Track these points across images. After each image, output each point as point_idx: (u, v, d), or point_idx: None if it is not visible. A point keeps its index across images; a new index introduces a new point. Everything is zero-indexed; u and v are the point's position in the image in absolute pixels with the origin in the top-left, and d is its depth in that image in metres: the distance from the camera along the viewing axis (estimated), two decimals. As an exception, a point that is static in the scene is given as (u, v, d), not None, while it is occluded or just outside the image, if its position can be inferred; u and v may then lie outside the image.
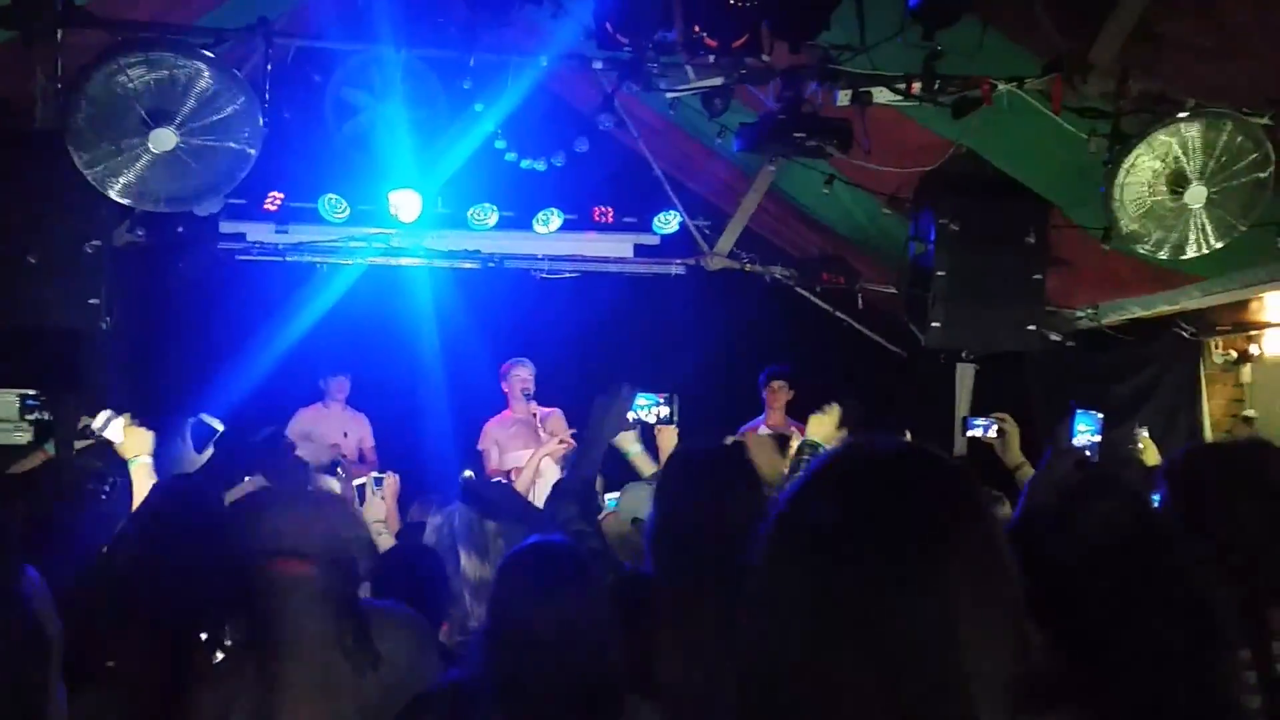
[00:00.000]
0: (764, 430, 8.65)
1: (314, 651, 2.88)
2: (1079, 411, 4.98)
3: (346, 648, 2.93)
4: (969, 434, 5.86)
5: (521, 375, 8.65)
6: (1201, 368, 8.08)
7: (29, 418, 5.28)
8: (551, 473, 6.94)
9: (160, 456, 5.06)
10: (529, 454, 7.58)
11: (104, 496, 4.41)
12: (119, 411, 5.18)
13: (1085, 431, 5.01)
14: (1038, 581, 2.06)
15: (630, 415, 5.30)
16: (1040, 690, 2.00)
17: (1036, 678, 1.98)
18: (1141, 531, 2.19)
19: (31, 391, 5.34)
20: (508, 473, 7.98)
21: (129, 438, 5.10)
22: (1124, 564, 2.11)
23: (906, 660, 1.30)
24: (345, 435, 9.20)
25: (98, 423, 5.12)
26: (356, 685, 2.88)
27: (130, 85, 5.22)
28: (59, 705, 1.87)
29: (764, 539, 1.42)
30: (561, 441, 7.16)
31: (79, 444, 5.33)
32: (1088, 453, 4.90)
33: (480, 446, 8.78)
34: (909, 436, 5.22)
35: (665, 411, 5.55)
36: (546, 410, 8.59)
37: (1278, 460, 2.81)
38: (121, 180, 5.36)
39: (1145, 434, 5.88)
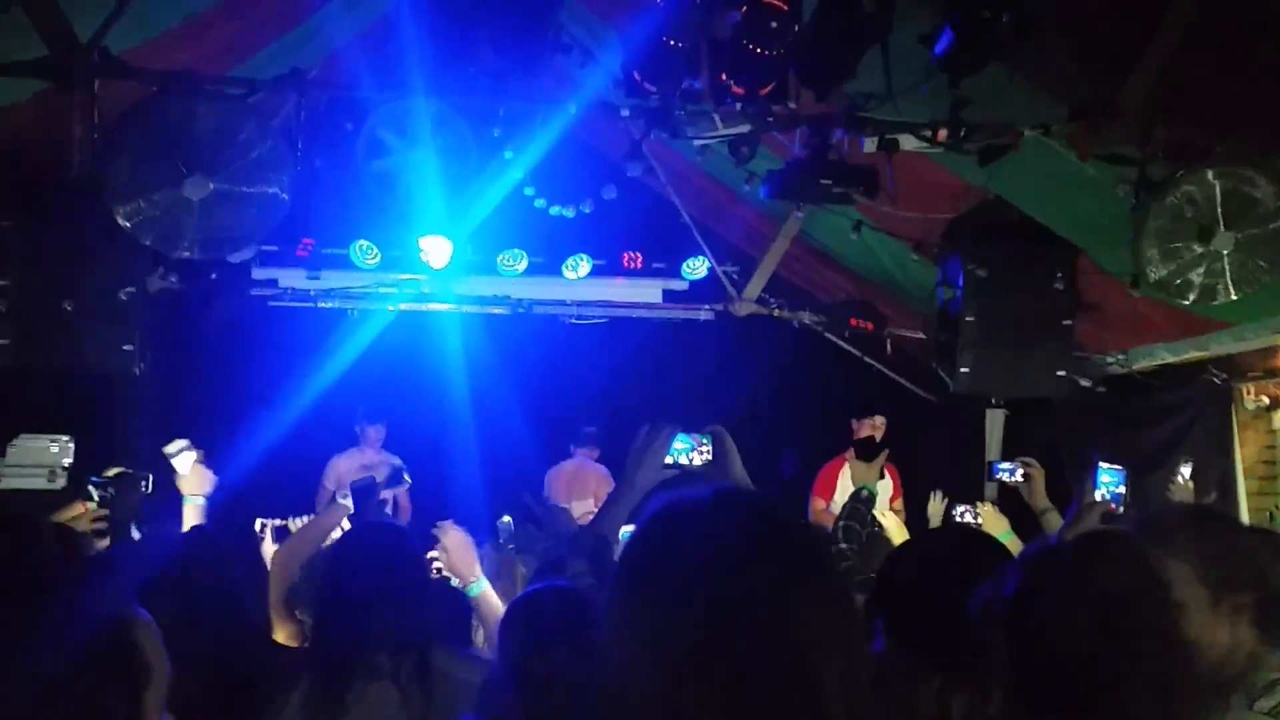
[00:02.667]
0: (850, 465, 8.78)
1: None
2: (1101, 465, 4.96)
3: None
4: (996, 478, 5.86)
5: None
6: (1234, 414, 8.02)
7: (96, 497, 5.30)
8: None
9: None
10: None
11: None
12: (194, 445, 5.21)
13: (1108, 484, 4.98)
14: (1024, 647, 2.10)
15: (668, 459, 5.25)
16: None
17: None
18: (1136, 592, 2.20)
19: (55, 451, 5.38)
20: None
21: (193, 475, 5.13)
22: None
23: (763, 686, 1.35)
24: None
25: (172, 448, 5.16)
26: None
27: (165, 134, 5.30)
28: None
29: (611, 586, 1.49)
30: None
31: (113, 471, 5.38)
32: (1113, 505, 4.88)
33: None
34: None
35: (706, 453, 5.46)
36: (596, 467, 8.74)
37: None
38: (156, 228, 5.42)
39: (1188, 473, 5.86)
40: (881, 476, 7.55)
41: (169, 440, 5.17)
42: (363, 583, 3.35)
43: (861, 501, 4.69)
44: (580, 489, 8.80)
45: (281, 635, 4.23)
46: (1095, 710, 2.03)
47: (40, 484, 5.44)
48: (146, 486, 5.40)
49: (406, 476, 6.09)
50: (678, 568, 1.41)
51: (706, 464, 5.35)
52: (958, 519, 6.22)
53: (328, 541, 4.71)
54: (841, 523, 4.62)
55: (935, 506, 7.47)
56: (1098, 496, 4.79)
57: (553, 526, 4.77)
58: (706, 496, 1.48)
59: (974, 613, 2.14)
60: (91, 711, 1.81)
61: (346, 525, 5.00)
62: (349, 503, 5.01)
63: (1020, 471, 5.54)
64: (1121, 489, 5.01)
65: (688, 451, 5.43)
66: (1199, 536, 2.70)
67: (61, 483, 5.47)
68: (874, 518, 4.99)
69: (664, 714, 1.36)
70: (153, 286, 7.20)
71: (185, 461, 5.16)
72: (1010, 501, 5.92)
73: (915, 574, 2.44)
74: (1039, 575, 2.19)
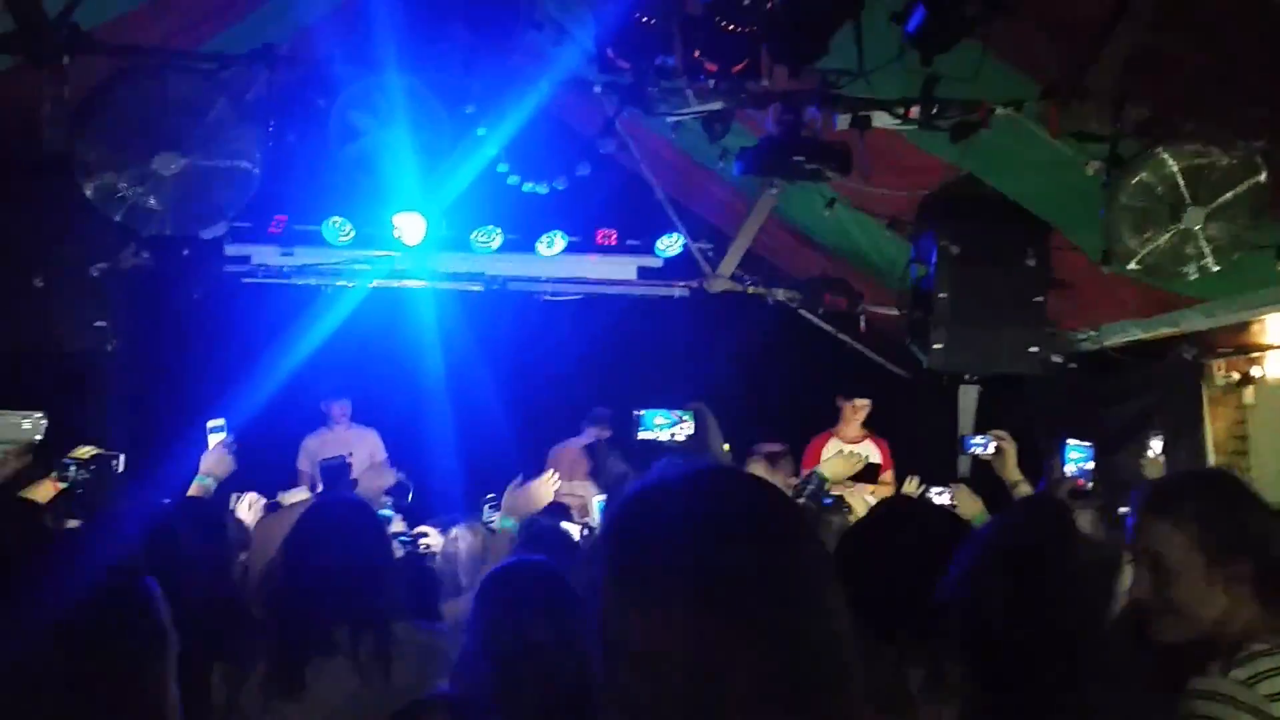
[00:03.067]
0: (834, 442, 8.88)
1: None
2: (1069, 442, 5.02)
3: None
4: (969, 452, 5.91)
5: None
6: (1204, 390, 8.07)
7: (67, 477, 5.31)
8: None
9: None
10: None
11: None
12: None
13: (1077, 459, 5.04)
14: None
15: (646, 435, 5.25)
16: None
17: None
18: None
19: (28, 427, 5.38)
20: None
21: (210, 454, 5.17)
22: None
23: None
24: (351, 455, 9.21)
25: (212, 424, 5.19)
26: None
27: (136, 110, 5.27)
28: (174, 703, 1.96)
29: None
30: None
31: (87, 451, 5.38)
32: (1080, 480, 4.93)
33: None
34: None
35: (688, 429, 5.41)
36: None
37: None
38: (127, 204, 5.40)
39: (1160, 448, 5.92)
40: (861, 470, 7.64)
41: (140, 417, 5.19)
42: (322, 558, 3.35)
43: (816, 484, 4.79)
44: (585, 468, 8.79)
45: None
46: (1034, 679, 2.09)
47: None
48: (117, 466, 5.40)
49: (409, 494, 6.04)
50: (662, 547, 1.37)
51: (688, 439, 5.37)
52: (934, 500, 6.26)
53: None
54: (801, 500, 4.69)
55: (910, 489, 7.52)
56: (1066, 472, 4.84)
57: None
58: (683, 474, 1.44)
59: (927, 588, 2.20)
60: (118, 672, 1.85)
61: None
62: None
63: (993, 445, 5.59)
64: (1090, 465, 5.06)
65: (669, 427, 5.43)
66: (1205, 502, 2.74)
67: (31, 458, 5.47)
68: (834, 500, 5.09)
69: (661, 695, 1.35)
70: (125, 263, 7.16)
71: (213, 439, 5.20)
72: (983, 475, 5.97)
73: (871, 549, 2.47)
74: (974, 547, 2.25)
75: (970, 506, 5.86)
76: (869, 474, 6.30)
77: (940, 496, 6.21)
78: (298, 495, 5.77)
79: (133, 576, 2.00)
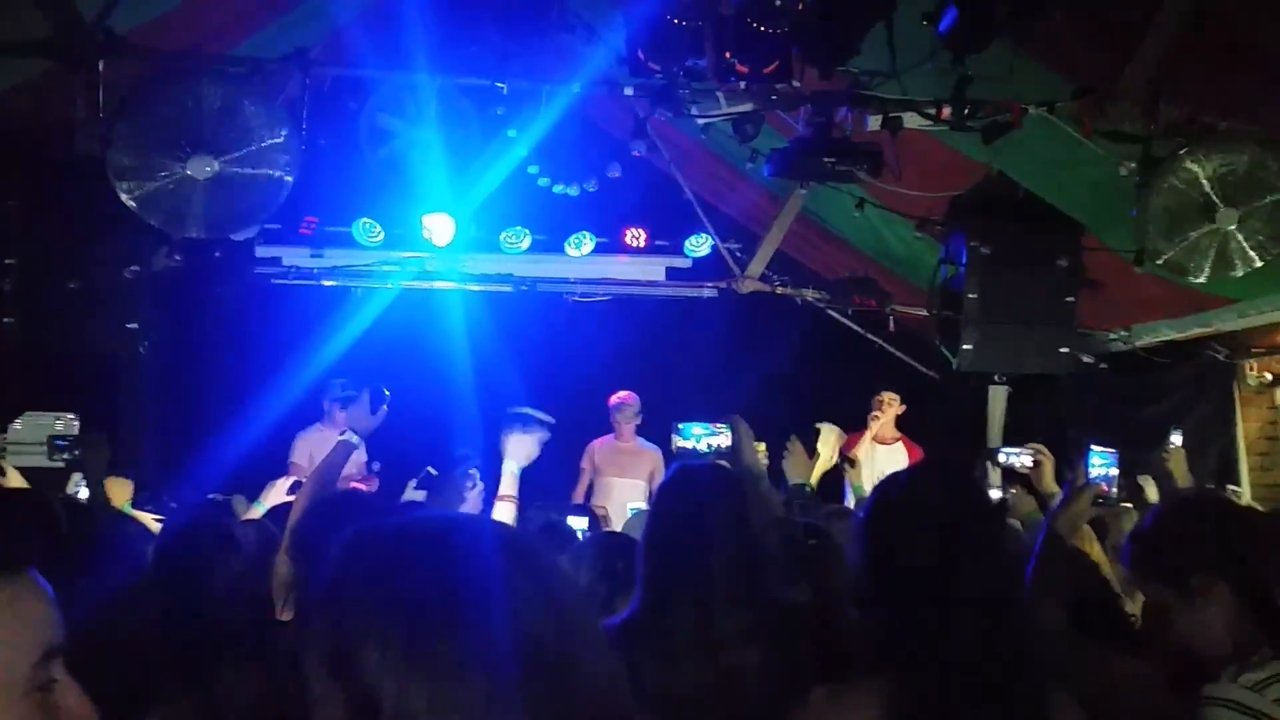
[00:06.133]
0: (868, 442, 8.84)
1: None
2: (1093, 448, 4.97)
3: None
4: (1003, 463, 5.82)
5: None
6: (1236, 390, 8.03)
7: (56, 458, 5.36)
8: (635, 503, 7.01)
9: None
10: (621, 482, 8.28)
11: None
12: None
13: (1100, 465, 4.99)
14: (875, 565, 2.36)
15: (685, 444, 5.29)
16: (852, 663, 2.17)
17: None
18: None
19: (60, 428, 5.42)
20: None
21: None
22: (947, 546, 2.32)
23: None
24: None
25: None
26: None
27: (170, 114, 5.30)
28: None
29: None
30: None
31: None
32: (1105, 486, 4.88)
33: (581, 464, 8.91)
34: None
35: (724, 440, 5.43)
36: (647, 445, 8.74)
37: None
38: (162, 207, 5.42)
39: (1179, 443, 5.87)
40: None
41: (171, 418, 5.21)
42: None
43: (801, 499, 4.94)
44: (624, 467, 8.81)
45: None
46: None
47: (41, 461, 5.47)
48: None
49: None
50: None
51: (723, 449, 5.39)
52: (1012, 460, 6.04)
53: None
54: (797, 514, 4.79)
55: None
56: (1093, 476, 4.80)
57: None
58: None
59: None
60: None
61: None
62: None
63: (1029, 457, 5.52)
64: (1114, 471, 5.02)
65: (706, 436, 5.46)
66: (1180, 528, 2.82)
67: (62, 460, 5.50)
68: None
69: None
70: (157, 265, 7.20)
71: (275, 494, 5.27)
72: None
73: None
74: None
75: (1027, 503, 5.73)
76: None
77: (1019, 457, 6.03)
78: (281, 490, 5.78)
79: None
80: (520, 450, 4.72)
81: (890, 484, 2.55)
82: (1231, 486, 7.49)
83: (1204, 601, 2.64)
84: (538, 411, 5.01)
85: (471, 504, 5.48)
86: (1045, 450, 5.45)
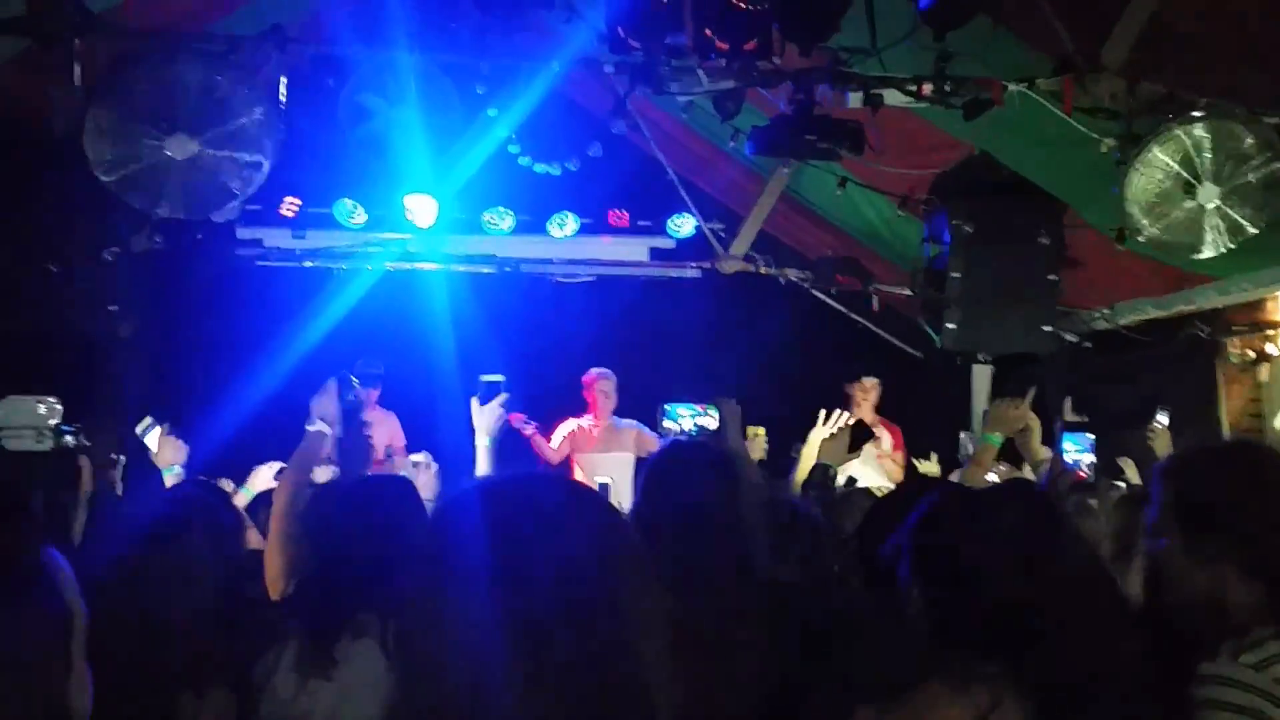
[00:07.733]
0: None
1: None
2: (1065, 433, 4.99)
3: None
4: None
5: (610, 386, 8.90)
6: (1219, 367, 8.04)
7: (63, 441, 5.33)
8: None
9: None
10: (604, 458, 8.25)
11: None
12: (159, 420, 5.22)
13: (1073, 450, 5.00)
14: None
15: (671, 425, 5.32)
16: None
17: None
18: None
19: (43, 412, 5.39)
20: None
21: (163, 447, 5.15)
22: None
23: None
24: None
25: (140, 427, 5.18)
26: None
27: (147, 92, 5.26)
28: (84, 684, 1.92)
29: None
30: None
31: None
32: (1079, 472, 4.91)
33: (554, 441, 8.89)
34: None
35: (711, 421, 5.45)
36: (625, 421, 8.72)
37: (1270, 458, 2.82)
38: (140, 186, 5.39)
39: (1165, 423, 5.88)
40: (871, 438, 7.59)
41: (153, 400, 5.20)
42: (360, 544, 3.19)
43: (821, 475, 4.95)
44: (606, 443, 8.80)
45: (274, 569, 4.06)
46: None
47: (29, 444, 5.45)
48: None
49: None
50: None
51: (710, 431, 5.43)
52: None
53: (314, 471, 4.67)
54: (813, 493, 4.79)
55: (928, 468, 7.51)
56: (1065, 462, 4.82)
57: None
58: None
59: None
60: None
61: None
62: (323, 427, 4.85)
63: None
64: (1088, 454, 5.04)
65: (693, 418, 5.48)
66: (1183, 479, 2.72)
67: (49, 443, 5.48)
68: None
69: None
70: (137, 247, 7.18)
71: (153, 438, 5.19)
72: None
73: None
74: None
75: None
76: (858, 438, 6.26)
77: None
78: (268, 475, 5.76)
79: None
80: (483, 422, 4.71)
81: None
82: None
83: (1216, 552, 2.57)
84: (488, 375, 5.03)
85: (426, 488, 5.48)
86: (1033, 414, 5.45)
